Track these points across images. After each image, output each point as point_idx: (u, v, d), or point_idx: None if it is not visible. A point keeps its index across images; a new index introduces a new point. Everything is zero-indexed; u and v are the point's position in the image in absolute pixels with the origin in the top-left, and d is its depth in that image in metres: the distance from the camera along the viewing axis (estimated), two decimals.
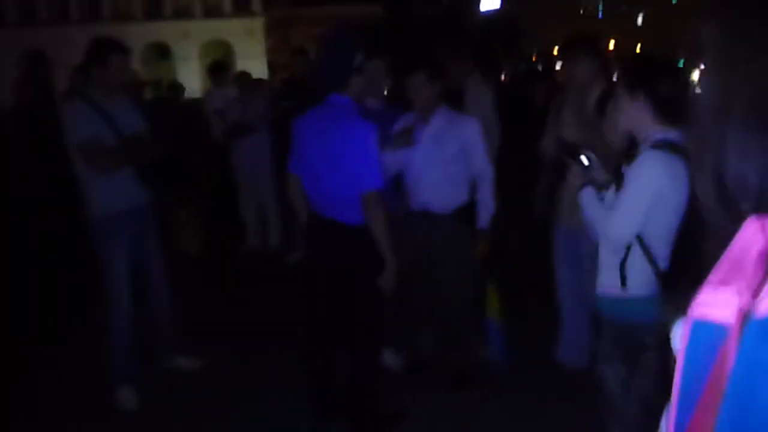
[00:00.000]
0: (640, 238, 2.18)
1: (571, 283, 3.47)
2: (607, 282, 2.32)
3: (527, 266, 4.74)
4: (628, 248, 2.19)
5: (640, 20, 43.66)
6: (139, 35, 47.07)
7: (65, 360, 4.17)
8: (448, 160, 3.47)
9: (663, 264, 2.17)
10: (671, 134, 2.15)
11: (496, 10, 33.11)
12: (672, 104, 2.14)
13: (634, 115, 2.22)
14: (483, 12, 33.61)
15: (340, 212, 2.96)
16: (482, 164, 3.53)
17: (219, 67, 7.11)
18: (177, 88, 8.52)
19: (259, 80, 6.96)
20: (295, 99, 3.81)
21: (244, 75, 6.88)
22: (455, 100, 4.27)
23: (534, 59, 35.55)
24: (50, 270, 5.18)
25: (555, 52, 40.54)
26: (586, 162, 2.40)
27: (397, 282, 3.07)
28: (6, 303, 4.79)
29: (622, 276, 2.23)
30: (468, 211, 3.60)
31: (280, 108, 5.06)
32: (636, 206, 2.17)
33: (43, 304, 4.95)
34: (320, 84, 3.03)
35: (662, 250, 2.17)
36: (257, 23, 48.32)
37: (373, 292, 3.02)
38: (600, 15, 46.00)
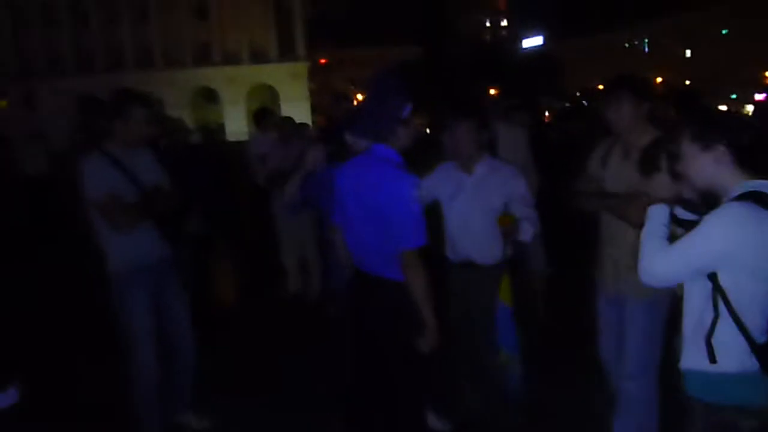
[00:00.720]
0: (730, 306, 1.94)
1: (613, 356, 3.18)
2: (692, 356, 2.06)
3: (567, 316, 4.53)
4: (716, 318, 1.96)
5: (688, 53, 42.95)
6: (188, 80, 49.04)
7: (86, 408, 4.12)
8: (491, 211, 3.35)
9: (760, 337, 1.94)
10: (760, 185, 1.95)
11: (538, 47, 33.14)
12: (755, 152, 1.98)
13: (711, 169, 2.01)
14: (524, 49, 33.71)
15: (380, 267, 2.81)
16: (528, 212, 3.41)
17: (263, 113, 7.17)
18: (212, 131, 8.61)
19: (301, 125, 6.96)
20: (333, 145, 3.73)
21: (285, 120, 6.94)
22: (487, 147, 4.20)
23: (577, 96, 35.33)
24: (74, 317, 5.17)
25: (600, 88, 40.20)
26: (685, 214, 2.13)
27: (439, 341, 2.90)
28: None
29: (709, 350, 1.98)
30: (511, 263, 3.49)
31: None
32: (692, 255, 1.97)
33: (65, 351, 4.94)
34: (362, 133, 2.92)
35: (757, 321, 1.94)
36: (301, 67, 49.65)
37: (413, 352, 2.83)
38: (645, 49, 45.43)
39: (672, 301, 2.76)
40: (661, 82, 36.37)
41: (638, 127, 2.96)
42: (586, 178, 3.23)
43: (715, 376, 1.99)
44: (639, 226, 2.50)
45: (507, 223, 3.27)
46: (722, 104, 24.45)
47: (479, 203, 3.37)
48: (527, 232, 3.33)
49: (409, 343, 2.80)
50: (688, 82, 35.33)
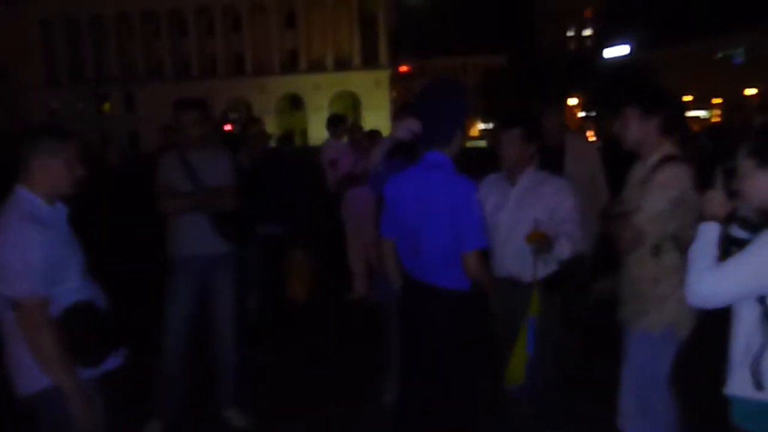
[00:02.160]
0: None
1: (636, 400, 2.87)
2: (738, 382, 1.92)
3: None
4: (765, 343, 1.86)
5: None
6: (276, 87, 50.66)
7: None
8: (533, 225, 3.10)
9: None
10: None
11: (623, 57, 32.25)
12: None
13: (767, 186, 1.88)
14: (608, 59, 32.91)
15: (440, 276, 2.76)
16: (571, 226, 3.16)
17: (335, 119, 7.22)
18: (287, 138, 8.88)
19: (373, 132, 7.16)
20: (402, 153, 3.81)
21: (356, 127, 7.08)
22: (553, 160, 3.86)
23: None
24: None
25: (687, 99, 38.55)
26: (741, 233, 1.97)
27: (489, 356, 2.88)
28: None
29: (756, 376, 1.87)
30: (556, 280, 3.26)
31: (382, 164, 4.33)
32: (742, 275, 1.84)
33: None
34: (424, 140, 2.85)
35: None
36: (383, 75, 50.26)
37: (469, 365, 2.80)
38: (737, 60, 43.32)
39: (694, 336, 2.66)
40: (755, 95, 34.70)
41: (650, 146, 2.72)
42: (619, 200, 3.02)
43: (763, 404, 1.88)
44: (625, 249, 2.56)
45: (534, 239, 3.03)
46: None
47: (522, 216, 3.15)
48: (564, 249, 3.10)
49: (464, 352, 2.79)
50: None
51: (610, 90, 26.50)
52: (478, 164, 3.56)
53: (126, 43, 51.12)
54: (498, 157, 3.34)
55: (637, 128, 2.70)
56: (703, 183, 2.24)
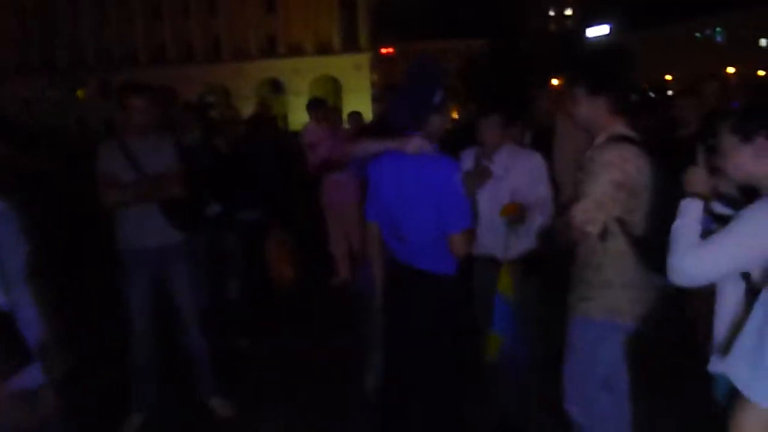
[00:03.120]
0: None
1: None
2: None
3: None
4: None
5: (763, 43, 40.87)
6: (255, 72, 50.07)
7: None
8: (509, 195, 3.17)
9: None
10: None
11: (604, 37, 32.24)
12: None
13: (750, 162, 1.87)
14: (590, 38, 32.88)
15: (423, 260, 2.73)
16: (544, 191, 3.26)
17: (314, 103, 7.09)
18: (269, 121, 8.64)
19: (354, 114, 6.98)
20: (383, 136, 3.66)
21: (331, 110, 6.97)
22: (543, 141, 3.93)
23: (645, 88, 34.25)
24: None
25: (668, 79, 38.72)
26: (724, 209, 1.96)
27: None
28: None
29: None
30: (536, 260, 3.26)
31: None
32: (725, 252, 1.82)
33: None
34: (397, 121, 2.81)
35: None
36: (364, 59, 49.86)
37: (455, 351, 2.79)
38: (719, 39, 43.51)
39: (649, 326, 2.56)
40: (734, 74, 34.88)
41: (599, 126, 2.61)
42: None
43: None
44: (573, 239, 2.48)
45: (508, 212, 3.08)
46: None
47: (499, 192, 3.18)
48: (535, 221, 3.16)
49: (448, 336, 2.77)
50: (762, 73, 33.73)
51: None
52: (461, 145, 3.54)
53: (100, 28, 50.05)
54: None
55: (585, 108, 2.59)
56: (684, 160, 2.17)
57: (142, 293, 3.58)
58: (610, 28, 31.35)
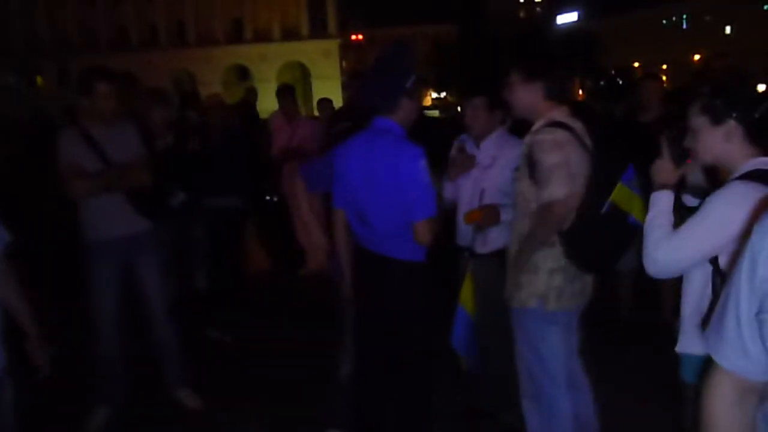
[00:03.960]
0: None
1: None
2: (689, 340, 2.03)
3: None
4: (713, 302, 1.84)
5: (728, 30, 41.55)
6: (221, 58, 49.24)
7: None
8: (496, 189, 3.09)
9: None
10: (766, 162, 1.82)
11: (573, 23, 32.35)
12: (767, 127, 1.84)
13: (720, 144, 1.88)
14: (559, 25, 32.97)
15: (390, 247, 2.70)
16: None
17: (281, 90, 6.81)
18: (243, 106, 8.35)
19: (323, 101, 6.85)
20: (349, 122, 3.62)
21: (288, 99, 6.65)
22: (523, 130, 3.95)
23: (613, 73, 34.52)
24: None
25: (636, 66, 39.15)
26: (692, 201, 1.99)
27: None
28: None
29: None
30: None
31: (333, 132, 4.81)
32: (694, 239, 1.83)
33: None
34: (367, 105, 2.79)
35: None
36: (333, 45, 49.37)
37: (421, 332, 2.78)
38: (684, 25, 44.07)
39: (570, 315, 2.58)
40: (699, 60, 35.37)
41: (536, 113, 2.61)
42: None
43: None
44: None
45: (473, 219, 3.03)
46: (762, 83, 23.68)
47: (484, 182, 3.12)
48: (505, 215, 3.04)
49: (417, 323, 2.75)
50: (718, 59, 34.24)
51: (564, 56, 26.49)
52: (430, 133, 3.53)
53: (57, 12, 48.36)
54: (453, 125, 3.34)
55: (521, 94, 2.60)
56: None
57: (109, 284, 3.50)
58: (579, 15, 31.44)
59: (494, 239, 3.09)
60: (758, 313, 1.13)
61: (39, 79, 48.25)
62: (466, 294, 3.22)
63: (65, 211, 3.70)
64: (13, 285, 2.25)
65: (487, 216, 3.01)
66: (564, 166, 2.38)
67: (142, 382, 3.73)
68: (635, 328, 4.37)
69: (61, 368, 4.13)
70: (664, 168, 2.04)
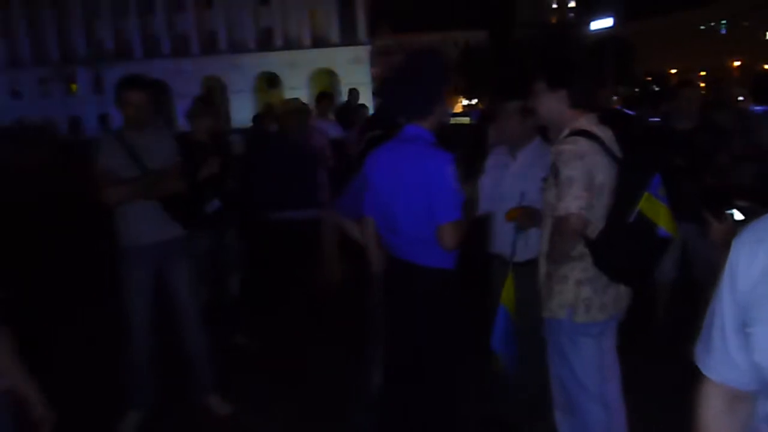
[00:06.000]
0: None
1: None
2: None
3: None
4: None
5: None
6: (251, 66, 49.69)
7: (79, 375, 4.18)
8: (536, 193, 3.01)
9: None
10: None
11: (607, 29, 31.73)
12: None
13: None
14: (593, 31, 32.44)
15: (419, 254, 2.69)
16: None
17: (320, 97, 6.93)
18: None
19: (361, 108, 6.78)
20: (382, 128, 3.57)
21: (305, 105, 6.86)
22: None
23: (648, 80, 33.87)
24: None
25: (672, 72, 38.32)
26: (739, 215, 1.98)
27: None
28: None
29: None
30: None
31: (366, 138, 4.80)
32: None
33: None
34: (398, 113, 2.78)
35: None
36: (362, 51, 49.43)
37: (448, 340, 2.75)
38: (723, 31, 43.09)
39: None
40: (738, 66, 34.50)
41: (560, 122, 2.58)
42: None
43: None
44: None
45: (513, 216, 3.01)
46: None
47: (518, 192, 3.07)
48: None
49: (444, 331, 2.72)
50: (767, 66, 33.29)
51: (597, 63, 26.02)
52: (463, 140, 3.61)
53: (92, 21, 49.41)
54: (484, 132, 3.31)
55: (546, 102, 2.54)
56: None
57: (142, 289, 3.57)
58: (614, 20, 30.80)
59: (533, 246, 3.02)
60: (744, 326, 1.16)
61: (74, 87, 49.22)
62: (508, 294, 3.15)
63: (99, 216, 3.77)
64: (6, 355, 2.06)
65: (527, 214, 2.97)
66: (581, 178, 2.34)
67: (172, 388, 3.77)
68: (670, 340, 4.19)
69: (93, 372, 4.15)
70: (718, 231, 2.05)
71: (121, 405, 3.64)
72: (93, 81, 48.16)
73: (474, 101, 38.44)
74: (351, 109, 7.10)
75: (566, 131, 2.47)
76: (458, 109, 44.77)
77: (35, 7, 49.22)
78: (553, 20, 50.52)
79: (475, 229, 3.14)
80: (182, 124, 5.75)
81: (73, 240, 6.96)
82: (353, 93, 7.32)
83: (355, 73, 47.95)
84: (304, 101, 5.92)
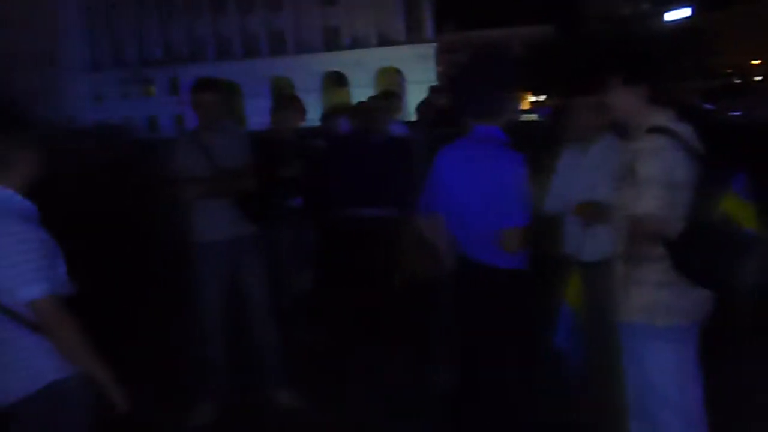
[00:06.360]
0: None
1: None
2: None
3: None
4: None
5: None
6: (318, 65, 50.44)
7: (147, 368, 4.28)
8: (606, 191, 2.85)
9: None
10: None
11: (683, 19, 30.32)
12: None
13: None
14: (668, 22, 31.07)
15: (490, 254, 2.67)
16: None
17: (386, 95, 6.88)
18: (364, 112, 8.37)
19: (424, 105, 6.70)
20: (447, 127, 3.55)
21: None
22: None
23: (729, 72, 32.24)
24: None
25: (755, 63, 36.30)
26: None
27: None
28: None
29: None
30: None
31: (433, 137, 4.74)
32: None
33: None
34: (468, 112, 2.76)
35: None
36: (428, 49, 49.29)
37: (522, 349, 2.72)
38: None
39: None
40: None
41: (637, 119, 2.49)
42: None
43: None
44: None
45: (581, 210, 2.96)
46: None
47: (589, 189, 2.99)
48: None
49: (514, 333, 2.69)
50: None
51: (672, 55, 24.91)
52: (529, 138, 3.45)
53: (167, 24, 51.33)
54: (554, 129, 3.24)
55: (622, 98, 2.45)
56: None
57: (214, 284, 3.65)
58: (693, 10, 29.32)
59: (603, 246, 2.89)
60: None
61: (151, 89, 51.29)
62: (573, 293, 3.14)
63: (171, 213, 3.90)
64: (73, 339, 2.14)
65: (596, 209, 2.91)
66: (660, 177, 2.26)
67: (243, 381, 3.84)
68: (759, 352, 4.02)
69: (164, 366, 4.32)
70: None
71: (194, 396, 3.72)
72: (168, 83, 50.06)
73: (542, 98, 37.72)
74: (431, 106, 7.01)
75: (644, 128, 2.38)
76: (526, 106, 44.02)
77: (114, 13, 51.61)
78: (626, 12, 48.80)
79: (544, 228, 3.09)
80: (253, 123, 5.85)
81: (148, 234, 7.23)
82: (435, 90, 7.25)
83: (420, 70, 47.89)
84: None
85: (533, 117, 25.13)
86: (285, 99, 4.86)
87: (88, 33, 52.57)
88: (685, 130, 2.36)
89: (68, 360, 2.15)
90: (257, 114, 36.73)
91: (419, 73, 47.49)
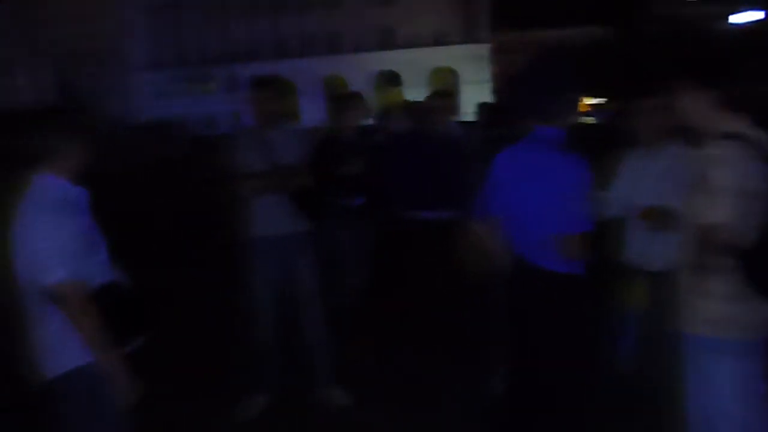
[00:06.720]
0: None
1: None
2: None
3: None
4: None
5: None
6: (372, 64, 50.64)
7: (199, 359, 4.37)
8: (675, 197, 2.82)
9: None
10: None
11: (754, 23, 29.05)
12: None
13: None
14: (733, 25, 29.86)
15: (547, 258, 2.63)
16: None
17: (439, 95, 6.78)
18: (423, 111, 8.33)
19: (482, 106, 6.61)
20: (500, 128, 3.50)
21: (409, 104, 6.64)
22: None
23: None
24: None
25: None
26: None
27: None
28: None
29: None
30: None
31: (483, 138, 4.64)
32: None
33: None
34: (527, 114, 2.72)
35: None
36: (483, 49, 48.85)
37: (583, 353, 2.69)
38: None
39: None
40: None
41: (707, 125, 2.39)
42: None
43: None
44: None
45: (646, 215, 2.89)
46: None
47: (656, 195, 2.94)
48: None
49: (571, 339, 2.65)
50: None
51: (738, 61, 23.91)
52: (589, 141, 3.43)
53: (226, 23, 52.39)
54: (616, 132, 3.19)
55: (692, 103, 2.34)
56: None
57: (267, 278, 3.70)
58: (766, 14, 27.95)
59: (669, 255, 2.81)
60: None
61: (211, 86, 52.51)
62: (638, 301, 3.09)
63: (229, 208, 3.96)
64: (90, 327, 2.20)
65: (662, 214, 2.85)
66: (732, 185, 2.18)
67: (292, 377, 3.90)
68: None
69: (218, 358, 4.41)
70: None
71: (245, 390, 3.77)
72: (227, 80, 51.09)
73: (601, 100, 36.86)
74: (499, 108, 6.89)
75: (716, 133, 2.31)
76: (583, 108, 43.13)
77: (178, 12, 53.02)
78: (689, 14, 47.19)
79: (605, 233, 3.01)
80: (306, 121, 5.89)
81: (202, 226, 7.36)
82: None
83: (474, 70, 47.51)
84: (422, 99, 5.84)
85: (591, 120, 24.58)
86: (346, 97, 4.86)
87: (151, 32, 54.15)
88: (759, 136, 2.28)
89: (86, 345, 2.22)
90: (310, 112, 37.18)
91: (473, 73, 47.14)
